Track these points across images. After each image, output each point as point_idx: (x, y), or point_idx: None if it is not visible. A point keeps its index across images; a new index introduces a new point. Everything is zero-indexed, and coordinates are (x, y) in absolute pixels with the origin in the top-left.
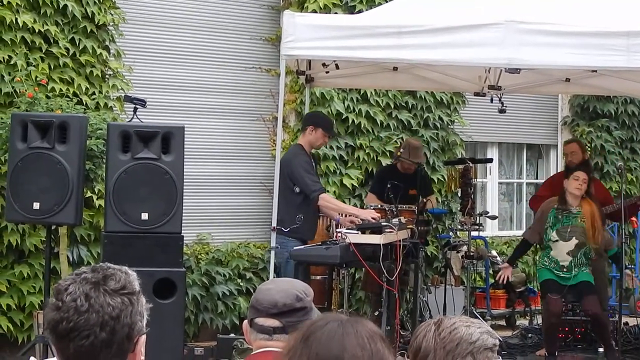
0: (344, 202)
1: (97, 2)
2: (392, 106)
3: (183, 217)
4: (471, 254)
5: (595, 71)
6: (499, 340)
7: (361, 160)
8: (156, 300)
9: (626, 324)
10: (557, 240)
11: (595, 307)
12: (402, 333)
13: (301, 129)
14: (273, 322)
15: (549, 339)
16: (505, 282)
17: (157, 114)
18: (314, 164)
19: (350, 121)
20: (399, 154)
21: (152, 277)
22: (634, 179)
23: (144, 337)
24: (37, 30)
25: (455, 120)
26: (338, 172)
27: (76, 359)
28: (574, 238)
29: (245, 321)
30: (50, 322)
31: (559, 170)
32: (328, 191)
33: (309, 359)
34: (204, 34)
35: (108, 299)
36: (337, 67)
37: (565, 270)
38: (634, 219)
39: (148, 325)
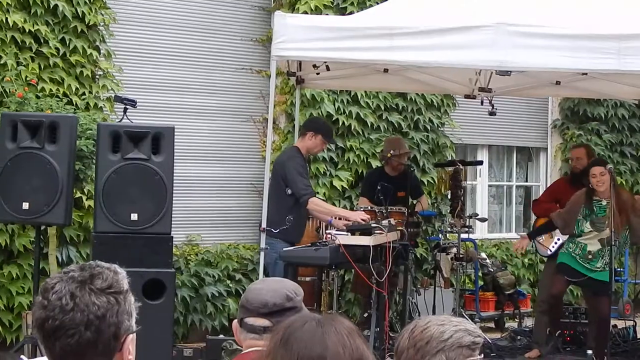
0: (333, 204)
1: (87, 2)
2: (383, 108)
3: (173, 218)
4: (461, 256)
5: (586, 74)
6: (484, 339)
7: (351, 162)
8: (145, 301)
9: (615, 326)
10: (590, 231)
11: (607, 310)
12: (391, 335)
13: (300, 133)
14: (263, 322)
15: (552, 320)
16: (522, 251)
17: (147, 114)
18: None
19: (340, 123)
20: (389, 155)
21: (141, 277)
22: (624, 182)
23: (132, 336)
24: (27, 30)
25: (446, 123)
26: (328, 173)
27: (63, 358)
28: (607, 229)
29: (235, 321)
30: (37, 320)
31: (549, 174)
32: (318, 193)
33: None
34: (195, 34)
35: (94, 298)
36: (327, 68)
37: (590, 257)
38: None
39: (138, 324)
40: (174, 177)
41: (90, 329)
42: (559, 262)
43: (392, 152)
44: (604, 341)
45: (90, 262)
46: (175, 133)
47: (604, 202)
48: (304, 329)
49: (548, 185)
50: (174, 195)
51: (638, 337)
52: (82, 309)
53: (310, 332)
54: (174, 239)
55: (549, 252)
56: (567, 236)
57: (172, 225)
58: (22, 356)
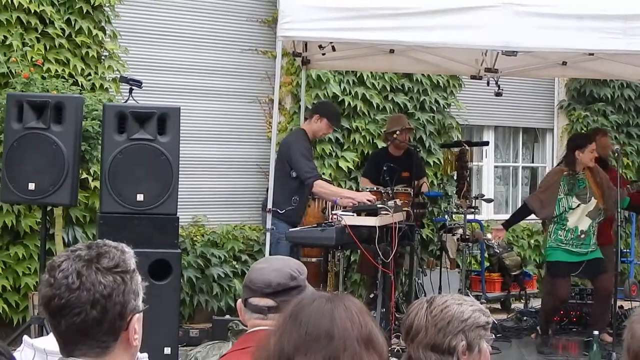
0: (339, 185)
1: None
2: (389, 89)
3: (178, 199)
4: (466, 237)
5: (592, 54)
6: (492, 320)
7: (357, 143)
8: (151, 282)
9: (621, 307)
10: (578, 205)
11: (611, 284)
12: (397, 315)
13: (307, 116)
14: (267, 302)
15: (547, 320)
16: (498, 243)
17: (152, 95)
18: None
19: (346, 104)
20: (395, 135)
21: (147, 258)
22: (630, 164)
23: (138, 316)
24: (32, 11)
25: (452, 103)
26: (334, 154)
27: (68, 336)
28: (592, 198)
29: (239, 300)
30: (43, 298)
31: (555, 155)
32: (324, 174)
33: (299, 336)
34: (200, 15)
35: (100, 277)
36: (333, 49)
37: (583, 237)
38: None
39: (144, 304)
40: (180, 158)
41: (96, 308)
42: (553, 262)
43: (396, 129)
44: (606, 316)
45: (98, 241)
46: (182, 114)
47: (581, 175)
48: (313, 305)
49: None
50: (179, 176)
51: None
52: (89, 288)
53: (319, 308)
54: (179, 220)
55: None
56: (553, 224)
57: (178, 206)
58: (25, 336)
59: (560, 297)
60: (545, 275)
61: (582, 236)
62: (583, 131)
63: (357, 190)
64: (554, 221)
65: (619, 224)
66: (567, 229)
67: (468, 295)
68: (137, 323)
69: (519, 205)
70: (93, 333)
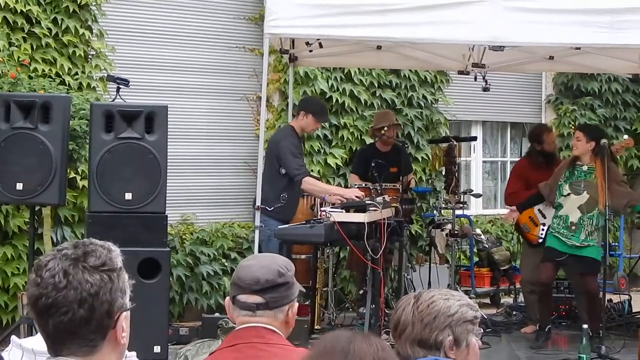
0: (328, 181)
1: None
2: (376, 85)
3: (167, 197)
4: (455, 232)
5: (579, 49)
6: (482, 315)
7: (345, 139)
8: (141, 280)
9: (610, 301)
10: (569, 194)
11: (596, 287)
12: (386, 311)
13: (294, 113)
14: (256, 299)
15: (541, 311)
16: (511, 222)
17: (140, 93)
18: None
19: (334, 100)
20: (383, 131)
21: (136, 257)
22: (618, 158)
23: (126, 314)
24: (19, 11)
25: (439, 99)
26: (322, 151)
27: (55, 335)
28: (585, 192)
29: (228, 298)
30: (30, 298)
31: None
32: (312, 170)
33: (318, 350)
34: (187, 13)
35: (87, 275)
36: (320, 45)
37: (573, 228)
38: None
39: (132, 302)
40: (168, 156)
41: (83, 307)
42: (546, 247)
43: (384, 125)
44: (597, 317)
45: (84, 240)
46: (169, 112)
47: (585, 167)
48: (334, 333)
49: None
50: (168, 174)
51: (633, 311)
52: (75, 287)
53: (339, 334)
54: (168, 218)
55: (539, 241)
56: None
57: (167, 205)
58: (12, 336)
59: (541, 280)
60: (524, 251)
61: (573, 227)
62: (571, 125)
63: (346, 186)
64: (555, 208)
65: (607, 217)
66: (559, 215)
67: (457, 290)
68: (124, 321)
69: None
70: (81, 332)
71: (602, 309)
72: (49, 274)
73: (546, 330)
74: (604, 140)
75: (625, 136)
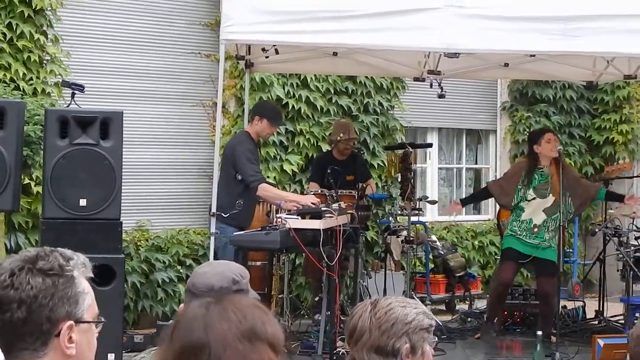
0: (284, 188)
1: None
2: (332, 91)
3: (122, 204)
4: (411, 238)
5: (534, 56)
6: (437, 322)
7: (301, 145)
8: (95, 287)
9: (564, 307)
10: (534, 199)
11: (551, 288)
12: (342, 318)
13: (249, 118)
14: None
15: (493, 306)
16: (453, 212)
17: (95, 99)
18: (258, 152)
19: (290, 107)
20: (338, 138)
21: (90, 263)
22: (572, 163)
23: (75, 325)
24: None
25: (395, 106)
26: (278, 157)
27: (2, 334)
28: (550, 195)
29: (182, 305)
30: None
31: (498, 156)
32: (268, 177)
33: (175, 354)
34: (143, 19)
35: (30, 277)
36: (276, 52)
37: (536, 230)
38: None
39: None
40: (123, 163)
41: (21, 308)
42: (506, 248)
43: (341, 135)
44: (550, 319)
45: (55, 248)
46: (124, 118)
47: (545, 171)
48: (187, 318)
49: (499, 168)
50: (123, 180)
51: (587, 317)
52: (17, 287)
53: (191, 319)
54: (123, 225)
55: None
56: (512, 214)
57: (122, 211)
58: None
59: (501, 279)
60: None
61: (535, 230)
62: (526, 132)
63: (302, 193)
64: (512, 211)
65: (562, 224)
66: (521, 219)
67: (413, 297)
68: (73, 332)
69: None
70: (20, 334)
71: (557, 312)
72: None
73: (493, 321)
74: (559, 147)
75: (627, 159)
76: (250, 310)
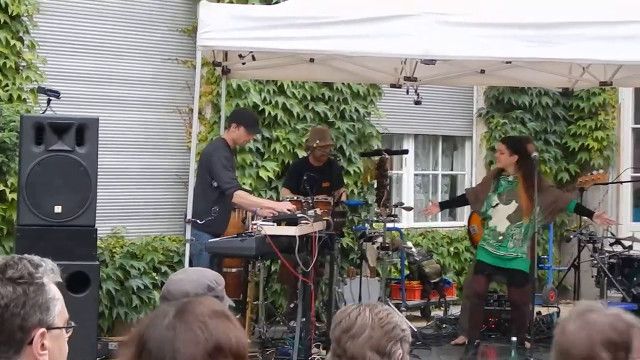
0: (260, 195)
1: None
2: (309, 98)
3: (98, 210)
4: (386, 245)
5: (510, 62)
6: (412, 328)
7: (278, 152)
8: (69, 295)
9: (539, 313)
10: (497, 205)
11: (521, 298)
12: (317, 325)
13: (226, 125)
14: None
15: (471, 323)
16: (429, 215)
17: (71, 106)
18: (234, 159)
19: (266, 113)
20: (314, 145)
21: (65, 270)
22: (548, 170)
23: (47, 332)
24: None
25: (372, 112)
26: (254, 164)
27: None
28: (513, 201)
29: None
30: None
31: (474, 163)
32: (244, 184)
33: None
34: (120, 25)
35: (0, 287)
36: (253, 58)
37: (500, 238)
38: None
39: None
40: (99, 169)
41: None
42: (477, 260)
43: (317, 142)
44: (524, 326)
45: (23, 255)
46: (100, 124)
47: (510, 178)
48: (155, 335)
49: (474, 175)
50: (98, 187)
51: None
52: None
53: (160, 339)
54: (99, 231)
55: None
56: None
57: (97, 218)
58: None
59: (475, 291)
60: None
61: (501, 238)
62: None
63: (278, 200)
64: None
65: (536, 230)
66: (489, 227)
67: (388, 304)
68: (46, 339)
69: (439, 213)
70: None
71: (530, 320)
72: None
73: (475, 344)
74: (534, 154)
75: (601, 170)
76: (214, 322)
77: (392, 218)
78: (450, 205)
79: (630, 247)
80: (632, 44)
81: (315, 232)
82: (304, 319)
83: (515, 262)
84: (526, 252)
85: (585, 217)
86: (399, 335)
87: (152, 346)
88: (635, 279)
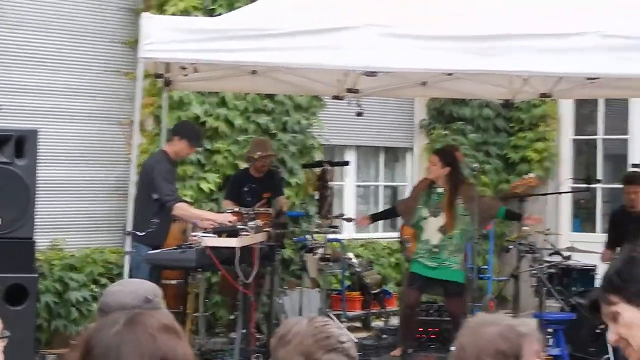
0: (201, 207)
1: None
2: (251, 110)
3: (36, 222)
4: (327, 256)
5: (451, 74)
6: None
7: (219, 164)
8: (7, 307)
9: None
10: (427, 217)
11: (457, 309)
12: (257, 336)
13: (168, 137)
14: None
15: (404, 333)
16: (361, 225)
17: (10, 118)
18: (175, 171)
19: (208, 125)
20: (256, 156)
21: (2, 282)
22: (488, 182)
23: None
24: None
25: (314, 124)
26: (195, 176)
27: None
28: (442, 214)
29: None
30: None
31: (415, 174)
32: (185, 195)
33: None
34: (61, 36)
35: None
36: (195, 70)
37: (435, 250)
38: None
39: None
40: (38, 181)
41: None
42: (410, 272)
43: (258, 153)
44: None
45: None
46: (40, 136)
47: (440, 190)
48: (101, 343)
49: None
50: (37, 199)
51: None
52: None
53: (106, 348)
54: (38, 243)
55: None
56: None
57: (36, 230)
58: None
59: (407, 303)
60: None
61: (435, 249)
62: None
63: (218, 212)
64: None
65: (476, 241)
66: (422, 240)
67: (328, 315)
68: None
69: (380, 224)
70: None
71: None
72: None
73: (408, 352)
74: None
75: (532, 174)
76: (163, 337)
77: (333, 229)
78: (382, 217)
79: (569, 257)
80: (572, 55)
81: (256, 243)
82: (244, 331)
83: (450, 272)
84: (460, 263)
85: (526, 227)
86: (332, 344)
87: (97, 352)
88: (573, 288)
